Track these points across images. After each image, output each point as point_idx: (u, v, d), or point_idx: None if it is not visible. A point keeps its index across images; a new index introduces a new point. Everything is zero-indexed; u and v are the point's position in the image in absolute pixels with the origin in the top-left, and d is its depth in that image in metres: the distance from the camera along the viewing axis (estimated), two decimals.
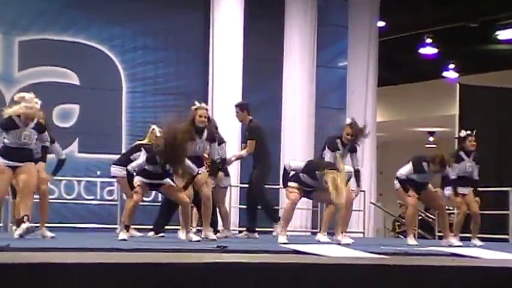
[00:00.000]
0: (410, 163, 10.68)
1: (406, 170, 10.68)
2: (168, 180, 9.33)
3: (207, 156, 10.37)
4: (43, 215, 9.76)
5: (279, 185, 15.89)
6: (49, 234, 9.64)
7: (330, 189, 9.20)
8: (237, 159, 11.46)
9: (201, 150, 9.96)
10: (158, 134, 10.84)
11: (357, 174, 10.71)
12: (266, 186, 14.10)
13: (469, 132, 11.23)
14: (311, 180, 9.63)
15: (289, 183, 9.75)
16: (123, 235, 9.06)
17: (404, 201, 11.08)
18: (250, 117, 11.71)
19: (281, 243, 9.00)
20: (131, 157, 10.82)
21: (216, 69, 15.76)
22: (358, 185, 10.89)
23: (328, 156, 10.48)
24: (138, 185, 9.20)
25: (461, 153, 11.19)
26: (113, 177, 11.60)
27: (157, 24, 15.74)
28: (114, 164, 11.54)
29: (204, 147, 9.97)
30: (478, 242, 10.73)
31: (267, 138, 11.70)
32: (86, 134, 14.77)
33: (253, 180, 11.66)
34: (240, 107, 11.82)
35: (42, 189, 9.67)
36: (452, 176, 10.91)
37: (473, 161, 11.15)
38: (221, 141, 10.97)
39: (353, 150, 10.80)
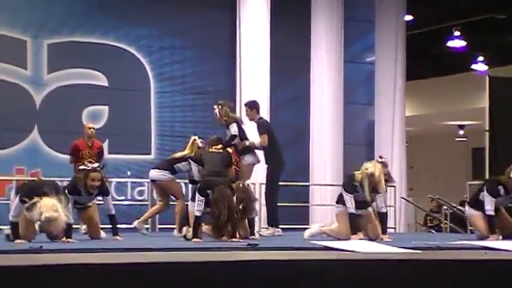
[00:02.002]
0: (489, 195, 9.72)
1: (489, 203, 9.66)
2: None
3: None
4: None
5: (308, 182, 15.99)
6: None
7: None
8: (250, 145, 11.48)
9: None
10: (200, 145, 11.07)
11: (382, 217, 9.93)
12: (296, 184, 14.16)
13: None
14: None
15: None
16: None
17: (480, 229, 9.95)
18: (260, 116, 11.75)
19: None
20: (175, 166, 11.15)
21: (244, 67, 15.78)
22: (384, 231, 9.87)
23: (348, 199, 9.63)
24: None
25: None
26: (153, 181, 11.63)
27: (184, 24, 15.77)
28: (156, 168, 11.58)
29: None
30: None
31: (276, 135, 11.73)
32: (115, 135, 14.83)
33: (267, 178, 11.74)
34: (249, 105, 11.87)
35: None
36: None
37: None
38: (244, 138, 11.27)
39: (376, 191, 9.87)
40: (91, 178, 9.59)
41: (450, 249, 7.27)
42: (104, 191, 9.85)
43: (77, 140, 12.61)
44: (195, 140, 11.38)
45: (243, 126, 11.58)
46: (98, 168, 9.79)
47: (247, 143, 11.37)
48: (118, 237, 9.75)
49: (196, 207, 9.10)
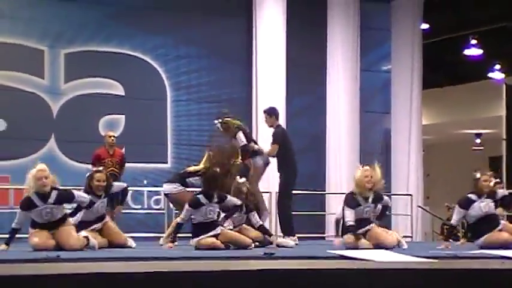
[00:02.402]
0: (457, 207, 9.73)
1: (455, 213, 9.76)
2: (221, 228, 9.43)
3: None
4: None
5: (324, 191, 15.97)
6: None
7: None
8: (258, 150, 11.49)
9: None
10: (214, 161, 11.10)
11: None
12: (312, 192, 14.09)
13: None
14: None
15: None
16: None
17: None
18: (278, 123, 11.74)
19: None
20: (187, 180, 11.14)
21: (260, 75, 15.79)
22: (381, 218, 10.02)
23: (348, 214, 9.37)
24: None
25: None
26: (166, 194, 11.60)
27: (200, 33, 15.80)
28: (168, 182, 11.56)
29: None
30: None
31: (290, 144, 11.69)
32: (132, 144, 14.84)
33: (279, 188, 11.72)
34: (268, 112, 11.87)
35: None
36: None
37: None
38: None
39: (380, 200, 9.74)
40: (96, 179, 9.64)
41: (467, 258, 7.23)
42: (109, 190, 9.81)
43: (98, 149, 12.64)
44: (209, 155, 11.38)
45: (247, 131, 11.59)
46: (102, 169, 9.85)
47: (255, 147, 11.38)
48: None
49: (181, 214, 9.26)
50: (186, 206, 9.35)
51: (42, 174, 8.72)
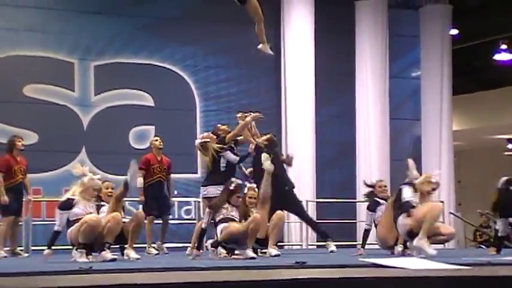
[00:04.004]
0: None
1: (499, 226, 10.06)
2: None
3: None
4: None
5: (355, 199, 15.91)
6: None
7: None
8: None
9: None
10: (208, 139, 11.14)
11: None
12: (343, 200, 13.98)
13: None
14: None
15: None
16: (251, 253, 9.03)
17: None
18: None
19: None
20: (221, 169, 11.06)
21: (289, 84, 15.80)
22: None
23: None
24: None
25: None
26: (208, 198, 11.00)
27: (229, 43, 15.85)
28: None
29: None
30: None
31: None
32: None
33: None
34: None
35: None
36: None
37: None
38: None
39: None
40: (105, 187, 9.75)
41: (502, 265, 7.15)
42: None
43: (148, 154, 12.64)
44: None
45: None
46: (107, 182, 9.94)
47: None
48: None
49: (204, 219, 9.29)
50: (208, 209, 9.36)
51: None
